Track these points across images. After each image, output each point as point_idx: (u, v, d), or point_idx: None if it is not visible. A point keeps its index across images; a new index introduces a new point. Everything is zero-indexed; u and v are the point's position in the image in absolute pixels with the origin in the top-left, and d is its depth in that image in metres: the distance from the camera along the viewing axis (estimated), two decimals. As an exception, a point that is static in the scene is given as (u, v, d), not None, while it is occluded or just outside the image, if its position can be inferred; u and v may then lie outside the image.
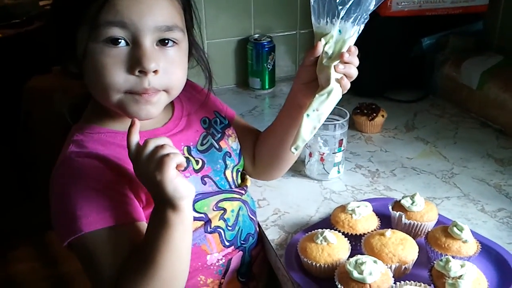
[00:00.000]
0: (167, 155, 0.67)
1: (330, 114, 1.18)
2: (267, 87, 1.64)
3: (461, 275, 0.77)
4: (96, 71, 0.73)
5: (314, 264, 0.83)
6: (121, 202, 0.74)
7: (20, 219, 2.54)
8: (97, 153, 0.77)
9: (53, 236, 2.39)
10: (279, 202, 1.07)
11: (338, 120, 1.12)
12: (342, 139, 1.11)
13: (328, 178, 1.14)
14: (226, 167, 0.91)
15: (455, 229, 0.86)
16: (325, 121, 1.17)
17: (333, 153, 1.11)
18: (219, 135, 0.92)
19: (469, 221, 1.00)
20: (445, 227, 0.88)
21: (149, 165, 0.68)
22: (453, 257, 0.82)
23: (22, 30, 2.57)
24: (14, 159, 2.70)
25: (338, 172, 1.15)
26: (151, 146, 0.69)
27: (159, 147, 0.68)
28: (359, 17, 0.79)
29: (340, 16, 0.79)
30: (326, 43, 0.81)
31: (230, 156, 0.93)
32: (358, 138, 1.33)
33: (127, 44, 0.73)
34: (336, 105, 1.25)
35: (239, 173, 0.96)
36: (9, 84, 2.53)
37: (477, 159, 1.22)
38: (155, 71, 0.74)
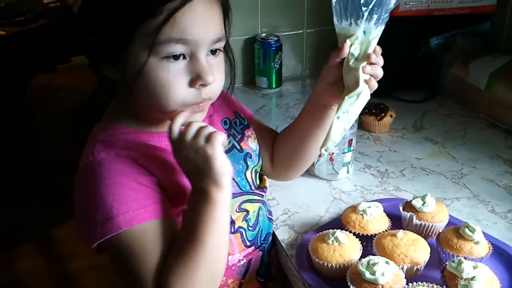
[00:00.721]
0: (214, 131, 0.72)
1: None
2: (274, 86, 1.64)
3: (473, 277, 0.77)
4: (157, 86, 0.73)
5: (325, 264, 0.83)
6: (155, 198, 0.75)
7: (23, 216, 2.54)
8: (126, 152, 0.76)
9: (57, 233, 2.40)
10: (289, 202, 1.07)
11: (347, 120, 1.11)
12: (351, 139, 1.11)
13: (337, 178, 1.14)
14: (247, 168, 0.91)
15: (467, 230, 0.86)
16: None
17: (342, 153, 1.11)
18: (239, 136, 0.92)
19: (480, 222, 1.00)
20: (456, 228, 0.88)
21: (198, 141, 0.72)
22: (465, 258, 0.81)
23: (26, 28, 2.57)
24: (17, 156, 2.70)
25: (348, 172, 1.14)
26: (195, 126, 0.73)
27: (203, 127, 0.73)
28: (381, 17, 0.79)
29: (365, 17, 0.79)
30: (351, 44, 0.81)
31: (250, 157, 0.93)
32: (366, 138, 1.33)
33: (184, 57, 0.74)
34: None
35: (257, 174, 0.96)
36: (12, 82, 2.52)
37: (486, 160, 1.21)
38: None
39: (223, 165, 0.72)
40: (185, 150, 0.72)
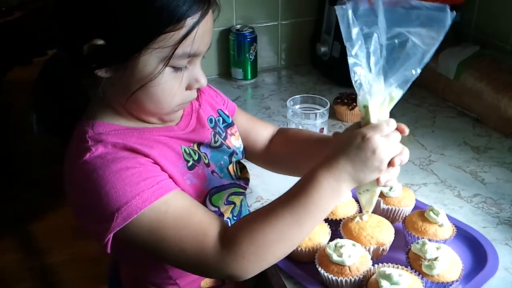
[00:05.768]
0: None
1: (311, 103, 1.22)
2: (249, 77, 1.65)
3: (436, 257, 0.80)
4: (163, 93, 0.75)
5: (295, 248, 0.85)
6: (162, 175, 0.75)
7: (2, 211, 2.52)
8: (122, 143, 0.75)
9: (36, 227, 2.40)
10: (262, 190, 1.10)
11: (318, 109, 1.14)
12: (322, 128, 1.14)
13: (309, 166, 1.16)
14: (230, 163, 0.92)
15: (431, 213, 0.89)
16: (306, 110, 1.20)
17: (314, 141, 1.13)
18: (224, 134, 0.93)
19: (446, 206, 1.03)
20: (421, 212, 0.91)
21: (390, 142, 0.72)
22: (429, 240, 0.85)
23: (1, 20, 2.54)
24: (-5, 151, 2.68)
25: (319, 160, 1.17)
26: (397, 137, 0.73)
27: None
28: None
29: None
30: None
31: (237, 154, 0.94)
32: (338, 127, 1.35)
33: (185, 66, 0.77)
34: (317, 94, 1.28)
35: (238, 164, 0.97)
36: (-13, 76, 2.50)
37: (454, 147, 1.25)
38: None
39: (370, 179, 0.72)
40: (377, 139, 0.71)
